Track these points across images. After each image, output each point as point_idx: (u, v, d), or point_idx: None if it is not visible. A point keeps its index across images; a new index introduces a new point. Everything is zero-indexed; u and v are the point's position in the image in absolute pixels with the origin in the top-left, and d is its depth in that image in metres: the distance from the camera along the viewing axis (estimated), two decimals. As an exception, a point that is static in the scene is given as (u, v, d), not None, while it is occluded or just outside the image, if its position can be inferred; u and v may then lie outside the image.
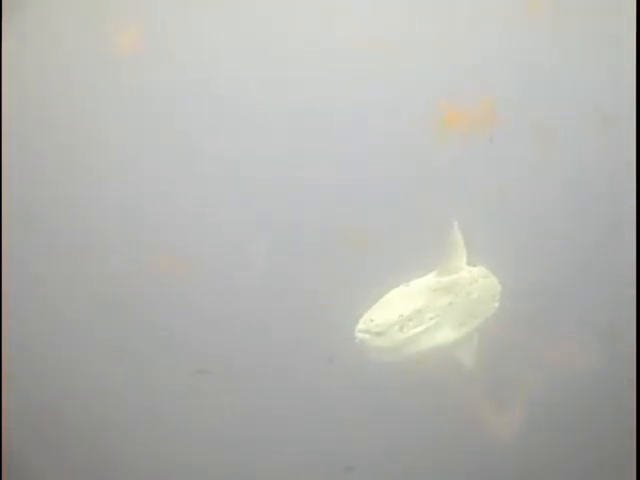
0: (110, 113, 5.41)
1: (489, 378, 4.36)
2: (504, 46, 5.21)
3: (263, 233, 5.11)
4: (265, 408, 4.63)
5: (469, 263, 4.38)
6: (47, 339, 4.83)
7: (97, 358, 4.77)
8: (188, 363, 4.75)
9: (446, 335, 4.21)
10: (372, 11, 5.28)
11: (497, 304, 4.38)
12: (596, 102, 5.01)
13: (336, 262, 4.86)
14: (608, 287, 4.82)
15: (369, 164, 5.13)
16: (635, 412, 4.37)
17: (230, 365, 4.69)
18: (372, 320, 4.08)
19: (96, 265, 5.04)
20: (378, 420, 4.46)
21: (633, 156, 4.49)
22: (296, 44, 5.22)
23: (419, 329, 4.12)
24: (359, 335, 4.07)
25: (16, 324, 4.66)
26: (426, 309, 4.15)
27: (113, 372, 4.71)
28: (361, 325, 4.09)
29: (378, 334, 4.04)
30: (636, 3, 4.57)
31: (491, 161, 4.99)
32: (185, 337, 4.85)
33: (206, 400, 4.63)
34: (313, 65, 5.23)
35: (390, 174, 5.10)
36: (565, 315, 4.76)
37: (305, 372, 4.55)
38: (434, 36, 5.21)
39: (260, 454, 4.56)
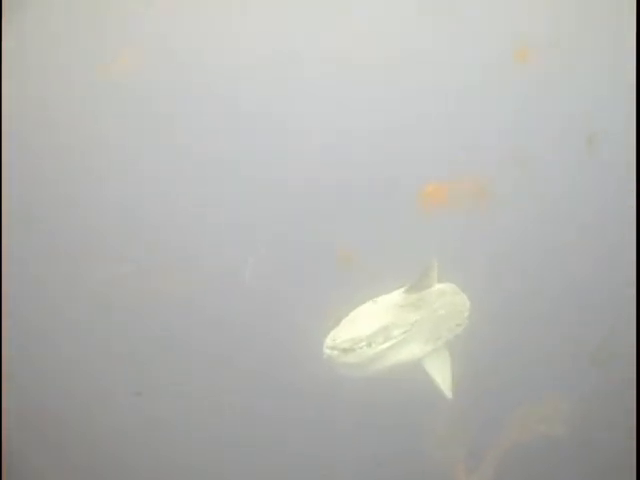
0: (110, 113, 5.41)
1: (460, 394, 4.28)
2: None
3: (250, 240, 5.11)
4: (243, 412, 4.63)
5: (438, 280, 4.38)
6: (47, 339, 4.82)
7: (97, 358, 4.76)
8: (187, 363, 4.75)
9: (415, 351, 4.23)
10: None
11: (467, 321, 4.37)
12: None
13: (306, 278, 4.88)
14: (580, 306, 4.82)
15: (343, 183, 5.16)
16: (635, 412, 4.38)
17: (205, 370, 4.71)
18: (340, 337, 4.11)
19: (96, 265, 5.03)
20: (347, 434, 4.41)
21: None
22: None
23: (387, 345, 4.14)
24: (327, 351, 4.11)
25: (16, 324, 4.66)
26: (394, 325, 4.17)
27: (113, 372, 4.71)
28: (329, 342, 4.13)
29: (345, 350, 4.08)
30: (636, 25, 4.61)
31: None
32: (184, 337, 4.85)
33: (204, 400, 4.64)
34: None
35: (363, 193, 5.15)
36: (538, 332, 4.72)
37: (275, 385, 4.55)
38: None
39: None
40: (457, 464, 4.41)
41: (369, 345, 4.09)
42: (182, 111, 5.33)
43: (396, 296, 4.31)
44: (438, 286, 4.37)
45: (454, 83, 5.38)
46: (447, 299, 4.36)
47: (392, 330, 4.16)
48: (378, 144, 5.25)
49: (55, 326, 4.83)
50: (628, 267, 4.65)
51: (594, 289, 4.86)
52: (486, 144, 5.21)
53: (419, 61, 5.38)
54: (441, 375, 4.20)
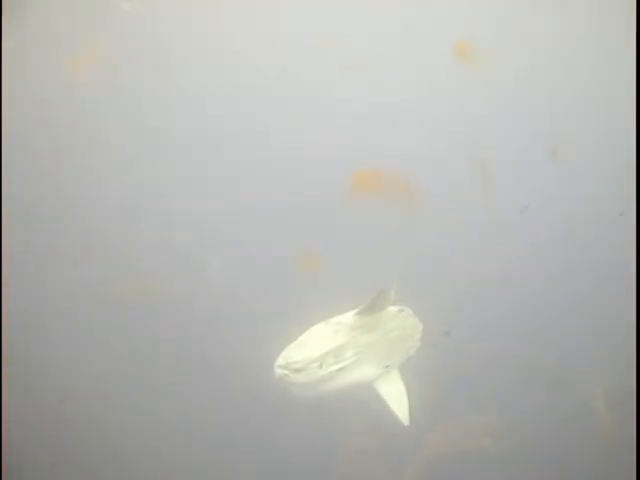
0: (110, 113, 5.41)
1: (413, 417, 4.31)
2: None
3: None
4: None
5: (392, 302, 4.40)
6: (47, 339, 4.83)
7: (97, 358, 4.77)
8: (188, 363, 4.76)
9: (366, 372, 4.25)
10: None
11: (418, 343, 4.41)
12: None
13: (260, 294, 4.86)
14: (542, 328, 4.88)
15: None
16: (635, 412, 4.40)
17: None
18: (291, 357, 4.14)
19: (96, 265, 5.03)
20: (295, 453, 4.45)
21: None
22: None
23: (339, 366, 4.16)
24: (278, 371, 4.14)
25: (16, 324, 4.66)
26: (346, 346, 4.19)
27: (113, 372, 4.72)
28: (280, 361, 4.16)
29: (297, 370, 4.10)
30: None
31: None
32: (185, 337, 4.86)
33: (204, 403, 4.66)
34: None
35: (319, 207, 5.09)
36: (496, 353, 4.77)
37: (227, 402, 4.59)
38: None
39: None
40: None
41: (320, 366, 4.12)
42: (178, 112, 5.33)
43: (349, 317, 4.32)
44: (391, 308, 4.39)
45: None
46: (399, 321, 4.38)
47: (344, 351, 4.18)
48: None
49: (55, 325, 4.85)
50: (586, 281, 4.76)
51: (548, 305, 4.90)
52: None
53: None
54: (395, 398, 4.24)
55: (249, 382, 4.39)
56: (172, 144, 5.29)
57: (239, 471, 4.44)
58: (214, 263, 5.02)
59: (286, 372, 4.11)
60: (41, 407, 4.63)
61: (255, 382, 4.31)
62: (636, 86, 4.64)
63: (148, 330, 4.88)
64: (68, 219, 5.11)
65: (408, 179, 4.94)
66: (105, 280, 4.99)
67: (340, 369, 4.16)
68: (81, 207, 5.16)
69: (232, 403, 4.57)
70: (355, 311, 4.34)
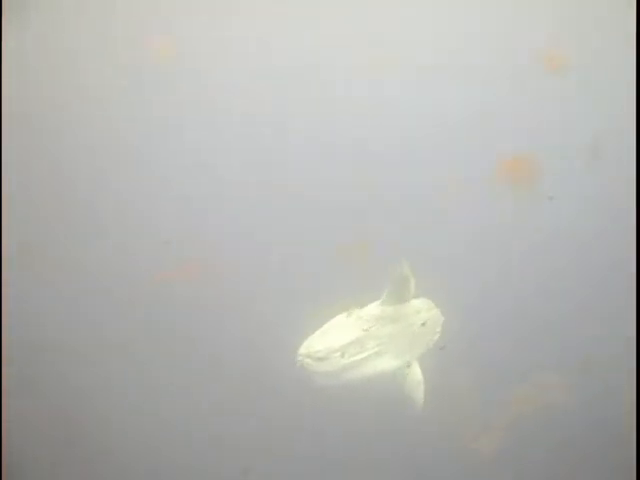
0: (111, 114, 5.42)
1: (431, 407, 4.36)
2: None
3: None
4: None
5: (414, 295, 4.44)
6: (47, 338, 4.83)
7: (97, 358, 4.77)
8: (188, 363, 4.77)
9: (388, 363, 4.30)
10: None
11: (438, 335, 4.45)
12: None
13: (285, 285, 4.94)
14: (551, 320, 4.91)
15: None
16: (635, 412, 4.40)
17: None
18: (314, 346, 4.19)
19: (96, 265, 5.04)
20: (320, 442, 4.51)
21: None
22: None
23: (361, 356, 4.22)
24: (300, 359, 4.19)
25: (16, 322, 4.67)
26: (368, 337, 4.25)
27: (113, 372, 4.72)
28: (302, 350, 4.21)
29: (319, 359, 4.16)
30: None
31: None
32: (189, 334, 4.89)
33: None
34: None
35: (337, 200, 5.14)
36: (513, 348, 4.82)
37: (250, 392, 4.63)
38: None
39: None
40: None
41: (342, 355, 4.17)
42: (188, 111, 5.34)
43: (372, 308, 4.38)
44: (414, 301, 4.45)
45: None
46: (422, 315, 4.43)
47: (366, 342, 4.24)
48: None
49: (55, 325, 4.85)
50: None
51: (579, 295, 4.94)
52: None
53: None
54: (413, 388, 4.30)
55: (271, 370, 4.47)
56: (174, 146, 5.30)
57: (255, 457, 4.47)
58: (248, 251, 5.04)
59: (309, 360, 4.16)
60: (41, 407, 4.63)
61: (277, 369, 4.37)
62: (636, 86, 4.65)
63: (148, 330, 4.88)
64: (68, 216, 5.12)
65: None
66: (105, 280, 5.00)
67: (362, 359, 4.21)
68: (81, 206, 5.17)
69: (253, 390, 4.63)
70: (378, 302, 4.38)
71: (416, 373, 4.33)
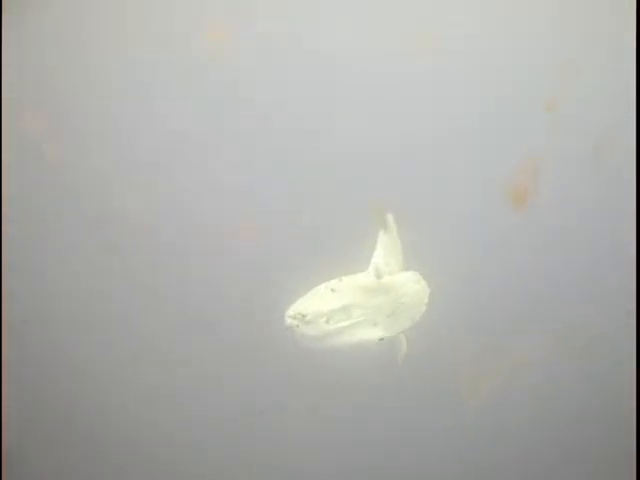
0: (109, 114, 5.40)
1: (413, 380, 4.51)
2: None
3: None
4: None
5: (403, 267, 4.50)
6: (47, 338, 4.82)
7: (98, 358, 4.76)
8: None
9: (373, 333, 4.37)
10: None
11: (424, 308, 4.48)
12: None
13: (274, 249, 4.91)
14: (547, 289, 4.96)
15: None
16: (635, 412, 4.43)
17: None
18: (301, 308, 4.29)
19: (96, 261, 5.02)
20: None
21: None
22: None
23: (346, 323, 4.30)
24: (288, 320, 4.27)
25: (16, 323, 4.66)
26: (355, 305, 4.33)
27: (115, 371, 4.71)
28: (290, 311, 4.29)
29: (306, 322, 4.25)
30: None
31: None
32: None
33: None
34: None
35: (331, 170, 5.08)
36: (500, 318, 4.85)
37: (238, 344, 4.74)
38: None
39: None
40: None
41: (327, 321, 4.26)
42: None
43: (362, 277, 4.43)
44: (403, 273, 4.51)
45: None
46: (410, 287, 4.47)
47: (352, 310, 4.32)
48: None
49: (55, 324, 4.84)
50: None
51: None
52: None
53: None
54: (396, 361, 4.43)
55: (261, 328, 4.55)
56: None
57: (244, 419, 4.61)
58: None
59: (296, 322, 4.25)
60: (41, 407, 4.62)
61: (266, 328, 4.47)
62: (636, 86, 4.68)
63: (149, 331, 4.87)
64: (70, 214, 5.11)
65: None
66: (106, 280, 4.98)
67: (346, 326, 4.29)
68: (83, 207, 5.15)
69: (243, 346, 4.72)
70: (367, 271, 4.44)
71: (401, 345, 4.43)
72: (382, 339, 4.37)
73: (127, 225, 4.89)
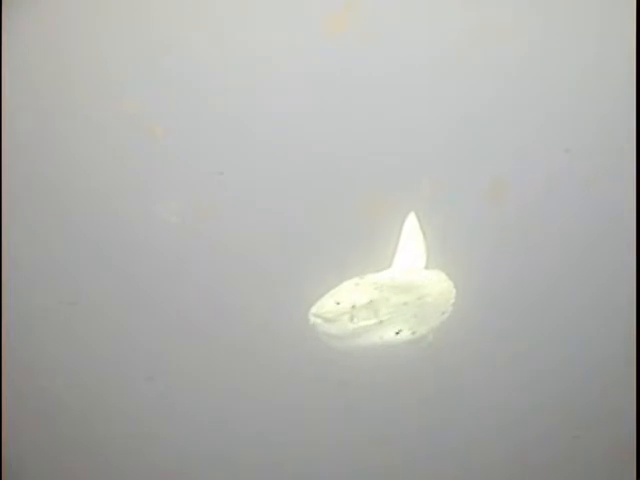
0: (109, 114, 5.40)
1: (438, 382, 4.46)
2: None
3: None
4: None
5: (426, 266, 4.44)
6: (47, 338, 4.82)
7: (98, 358, 4.77)
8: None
9: (397, 333, 4.23)
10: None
11: (451, 308, 4.40)
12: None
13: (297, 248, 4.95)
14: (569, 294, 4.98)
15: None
16: (635, 412, 4.44)
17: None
18: (324, 306, 4.14)
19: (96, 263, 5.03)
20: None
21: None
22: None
23: (369, 322, 4.14)
24: (311, 318, 4.14)
25: (16, 323, 4.66)
26: (379, 304, 4.17)
27: (115, 372, 4.72)
28: (314, 309, 4.16)
29: (328, 320, 4.09)
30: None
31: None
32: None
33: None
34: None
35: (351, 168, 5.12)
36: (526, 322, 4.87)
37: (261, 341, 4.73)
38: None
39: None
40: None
41: (351, 319, 4.10)
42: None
43: (385, 276, 4.35)
44: (427, 272, 4.43)
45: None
46: (435, 287, 4.39)
47: (377, 309, 4.16)
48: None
49: (55, 323, 4.84)
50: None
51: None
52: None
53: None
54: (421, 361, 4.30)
55: (284, 326, 4.52)
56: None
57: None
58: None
59: (319, 320, 4.11)
60: (41, 407, 4.63)
61: (289, 326, 4.40)
62: (636, 86, 4.69)
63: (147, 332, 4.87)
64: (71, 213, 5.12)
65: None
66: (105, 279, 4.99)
67: (370, 325, 4.14)
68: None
69: (266, 345, 4.70)
70: (391, 270, 4.38)
71: (427, 345, 4.30)
72: (409, 339, 4.22)
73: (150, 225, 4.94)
